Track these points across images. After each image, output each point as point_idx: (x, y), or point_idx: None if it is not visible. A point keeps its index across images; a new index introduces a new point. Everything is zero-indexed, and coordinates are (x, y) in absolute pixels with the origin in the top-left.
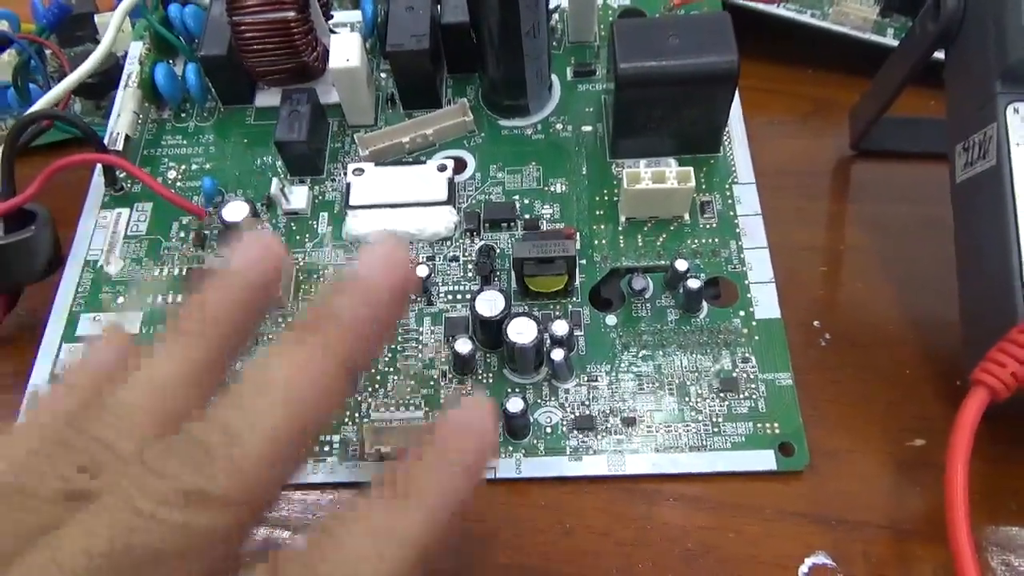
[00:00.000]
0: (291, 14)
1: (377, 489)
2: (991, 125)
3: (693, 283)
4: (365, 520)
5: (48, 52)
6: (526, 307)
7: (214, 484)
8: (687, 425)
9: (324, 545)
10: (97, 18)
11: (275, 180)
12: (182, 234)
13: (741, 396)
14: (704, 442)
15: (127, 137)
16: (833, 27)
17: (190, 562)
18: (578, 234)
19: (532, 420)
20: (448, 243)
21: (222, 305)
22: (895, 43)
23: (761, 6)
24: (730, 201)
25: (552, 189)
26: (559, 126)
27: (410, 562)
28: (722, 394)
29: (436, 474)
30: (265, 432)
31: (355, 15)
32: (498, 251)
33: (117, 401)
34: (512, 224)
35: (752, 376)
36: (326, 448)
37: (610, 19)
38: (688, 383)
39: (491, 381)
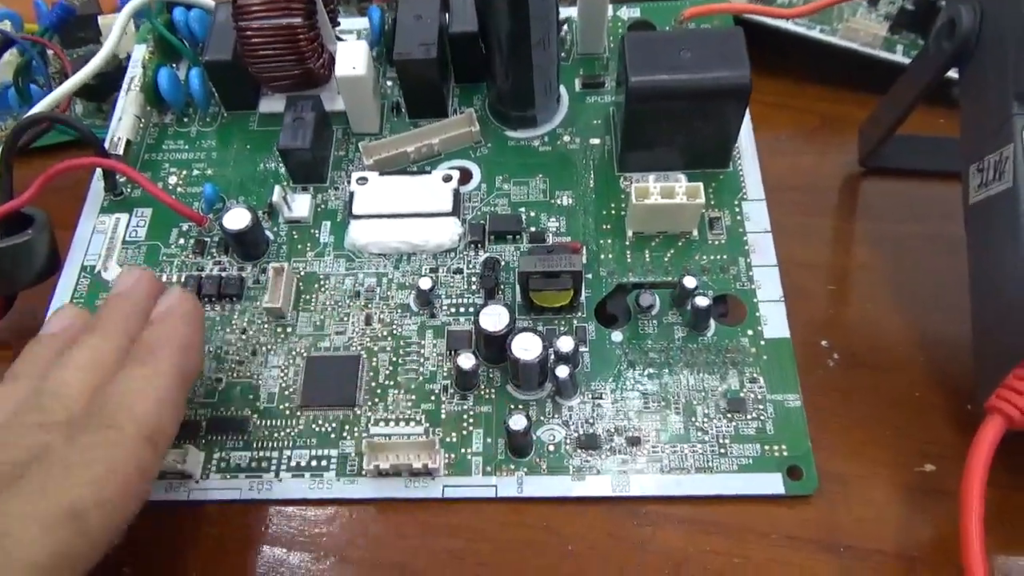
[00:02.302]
0: (298, 20)
1: (128, 354)
2: (1007, 146)
3: (702, 301)
4: (127, 374)
5: (50, 53)
6: (530, 322)
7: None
8: (693, 446)
9: (106, 392)
10: (100, 19)
11: (277, 188)
12: (181, 241)
13: (748, 417)
14: (710, 464)
15: (128, 141)
16: (842, 43)
17: None
18: (584, 248)
19: (535, 438)
20: (452, 255)
21: (129, 309)
22: (905, 60)
23: (771, 21)
24: (739, 217)
25: (559, 202)
26: (567, 138)
27: (174, 384)
28: (729, 415)
29: (162, 331)
30: None
31: (362, 22)
32: (503, 264)
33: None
34: (518, 237)
35: (760, 397)
36: (324, 463)
37: (620, 31)
38: (694, 403)
39: (494, 397)
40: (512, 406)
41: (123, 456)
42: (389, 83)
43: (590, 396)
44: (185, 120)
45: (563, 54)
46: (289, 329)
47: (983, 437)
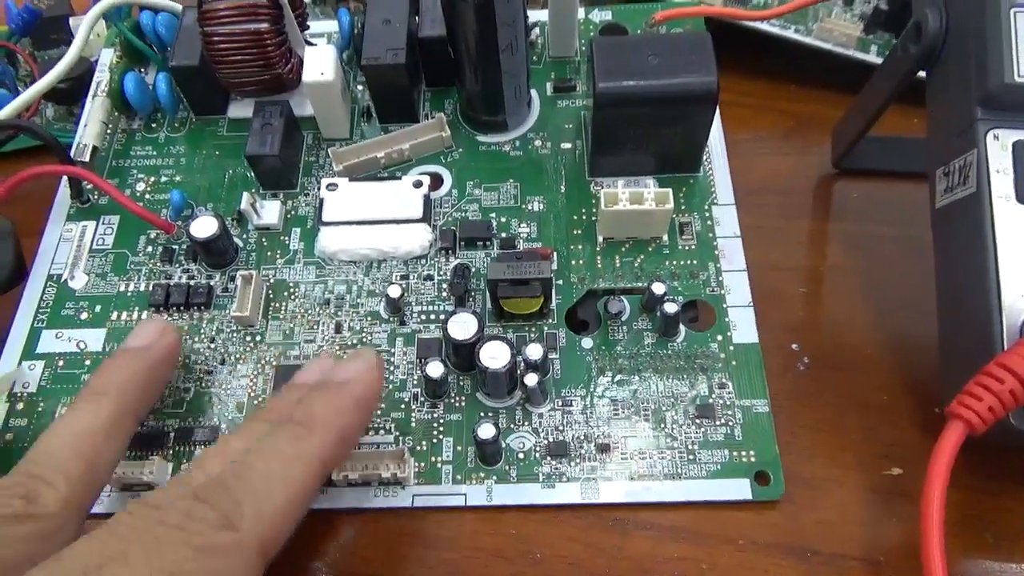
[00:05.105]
0: (264, 25)
1: (287, 419)
2: (971, 151)
3: (670, 307)
4: (274, 447)
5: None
6: (500, 328)
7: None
8: (662, 452)
9: (240, 470)
10: (72, 21)
11: (246, 194)
12: (149, 249)
13: (717, 423)
14: (679, 470)
15: (95, 148)
16: (817, 43)
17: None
18: (555, 254)
19: (504, 446)
20: (423, 261)
21: (126, 373)
22: (879, 60)
23: (745, 21)
24: (709, 222)
25: (529, 207)
26: (538, 142)
27: (312, 477)
28: (698, 421)
29: (330, 407)
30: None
31: (333, 25)
32: (473, 270)
33: (45, 447)
34: (488, 243)
35: (729, 402)
36: None
37: (591, 34)
38: (664, 409)
39: (464, 404)
40: (481, 414)
41: (227, 572)
42: (360, 87)
43: (560, 403)
44: (153, 126)
45: (534, 57)
46: (258, 338)
47: (944, 443)
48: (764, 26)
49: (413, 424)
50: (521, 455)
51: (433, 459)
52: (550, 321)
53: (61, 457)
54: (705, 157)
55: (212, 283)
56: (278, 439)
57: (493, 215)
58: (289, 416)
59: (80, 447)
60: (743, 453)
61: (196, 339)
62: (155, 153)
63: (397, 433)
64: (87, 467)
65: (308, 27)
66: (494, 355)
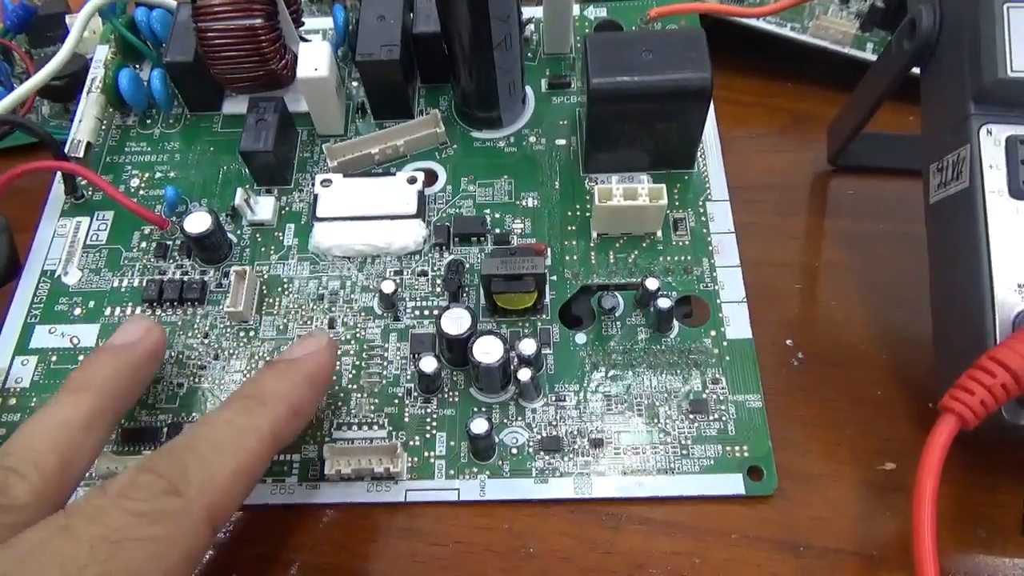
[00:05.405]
0: (259, 21)
1: (238, 394)
2: (964, 146)
3: (664, 302)
4: (224, 418)
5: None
6: (494, 324)
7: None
8: (655, 447)
9: (188, 440)
10: (68, 18)
11: (240, 190)
12: (143, 244)
13: (711, 418)
14: (672, 465)
15: (89, 144)
16: (813, 41)
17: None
18: (549, 250)
19: (497, 441)
20: (417, 257)
21: (108, 370)
22: (874, 58)
23: (741, 18)
24: (703, 218)
25: (524, 203)
26: (532, 139)
27: (262, 449)
28: (691, 416)
29: (281, 381)
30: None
31: (327, 21)
32: (468, 266)
33: (21, 439)
34: (482, 239)
35: (722, 397)
36: (286, 468)
37: (586, 31)
38: (657, 404)
39: (457, 400)
40: (475, 409)
41: (173, 538)
42: (354, 83)
43: (554, 398)
44: (148, 122)
45: (529, 54)
46: (252, 333)
47: (936, 437)
48: (760, 23)
49: (406, 419)
50: (514, 450)
51: (426, 454)
52: (544, 316)
53: (37, 449)
54: (700, 153)
55: (206, 279)
56: (228, 411)
57: (487, 211)
58: (242, 392)
59: (56, 440)
60: (736, 448)
61: (189, 335)
62: (149, 149)
63: (390, 428)
64: (62, 461)
65: (303, 23)
66: (487, 350)
